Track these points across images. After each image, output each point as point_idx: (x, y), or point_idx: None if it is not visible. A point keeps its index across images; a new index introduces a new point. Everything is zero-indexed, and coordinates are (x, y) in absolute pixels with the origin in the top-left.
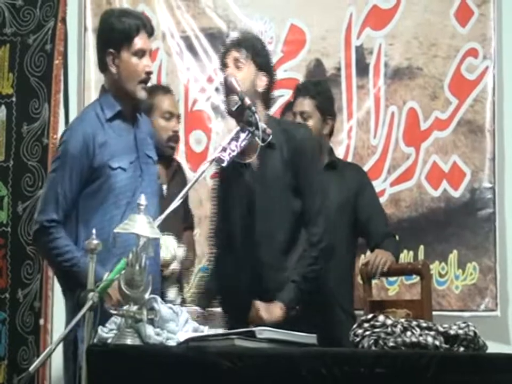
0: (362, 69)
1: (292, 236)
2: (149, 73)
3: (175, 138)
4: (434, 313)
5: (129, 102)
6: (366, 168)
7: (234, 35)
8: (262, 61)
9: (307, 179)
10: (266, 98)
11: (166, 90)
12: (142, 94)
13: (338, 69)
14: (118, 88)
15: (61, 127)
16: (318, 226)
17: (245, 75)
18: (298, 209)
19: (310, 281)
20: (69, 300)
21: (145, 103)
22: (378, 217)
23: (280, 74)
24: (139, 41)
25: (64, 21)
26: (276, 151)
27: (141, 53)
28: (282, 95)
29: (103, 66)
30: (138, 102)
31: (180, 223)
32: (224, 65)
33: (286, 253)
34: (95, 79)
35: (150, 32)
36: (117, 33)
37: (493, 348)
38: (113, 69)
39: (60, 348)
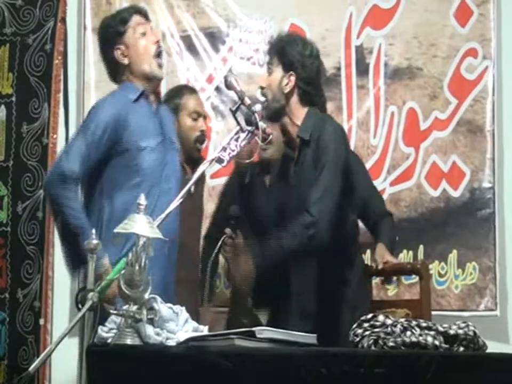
0: (362, 69)
1: None
2: (157, 43)
3: (202, 138)
4: (434, 313)
5: (149, 85)
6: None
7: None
8: (289, 61)
9: (318, 173)
10: (303, 93)
11: (193, 90)
12: (158, 71)
13: (338, 69)
14: (135, 74)
15: (61, 127)
16: (312, 215)
17: (271, 79)
18: None
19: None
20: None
21: (173, 103)
22: (375, 197)
23: None
24: (135, 21)
25: (64, 20)
26: (309, 148)
27: (142, 31)
28: None
29: (113, 74)
30: (157, 83)
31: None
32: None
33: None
34: (94, 79)
35: (145, 15)
36: (113, 26)
37: (493, 347)
38: (125, 61)
39: (60, 348)
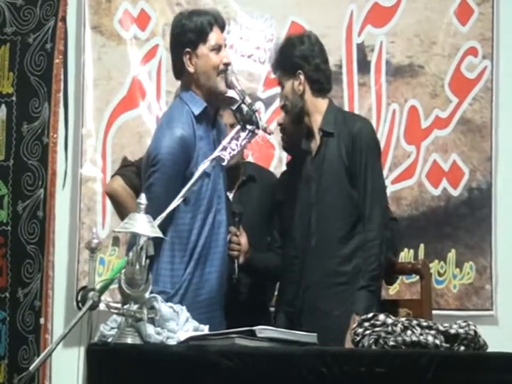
0: (364, 66)
1: (350, 223)
2: (227, 64)
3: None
4: (432, 312)
5: (211, 100)
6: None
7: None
8: (291, 64)
9: (362, 173)
10: (313, 83)
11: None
12: (222, 86)
13: (340, 66)
14: (198, 87)
15: (61, 126)
16: (373, 221)
17: (286, 92)
18: (356, 198)
19: (377, 280)
20: None
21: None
22: None
23: None
24: (214, 37)
25: (64, 20)
26: (334, 139)
27: (217, 47)
28: None
29: (178, 71)
30: (220, 100)
31: None
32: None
33: (343, 240)
34: (93, 77)
35: (222, 26)
36: (190, 33)
37: (489, 347)
38: (191, 69)
39: (60, 347)
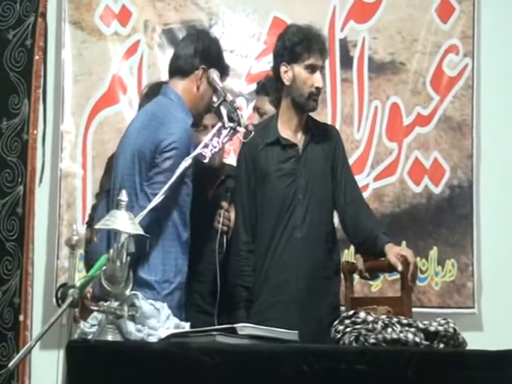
0: (346, 62)
1: (332, 219)
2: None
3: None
4: (414, 310)
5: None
6: (349, 163)
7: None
8: (277, 52)
9: (341, 169)
10: None
11: None
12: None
13: None
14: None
15: (41, 123)
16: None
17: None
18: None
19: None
20: None
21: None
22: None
23: (263, 66)
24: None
25: (44, 15)
26: (317, 137)
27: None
28: None
29: None
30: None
31: None
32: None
33: (329, 235)
34: (74, 73)
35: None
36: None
37: (470, 345)
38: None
39: (40, 344)
